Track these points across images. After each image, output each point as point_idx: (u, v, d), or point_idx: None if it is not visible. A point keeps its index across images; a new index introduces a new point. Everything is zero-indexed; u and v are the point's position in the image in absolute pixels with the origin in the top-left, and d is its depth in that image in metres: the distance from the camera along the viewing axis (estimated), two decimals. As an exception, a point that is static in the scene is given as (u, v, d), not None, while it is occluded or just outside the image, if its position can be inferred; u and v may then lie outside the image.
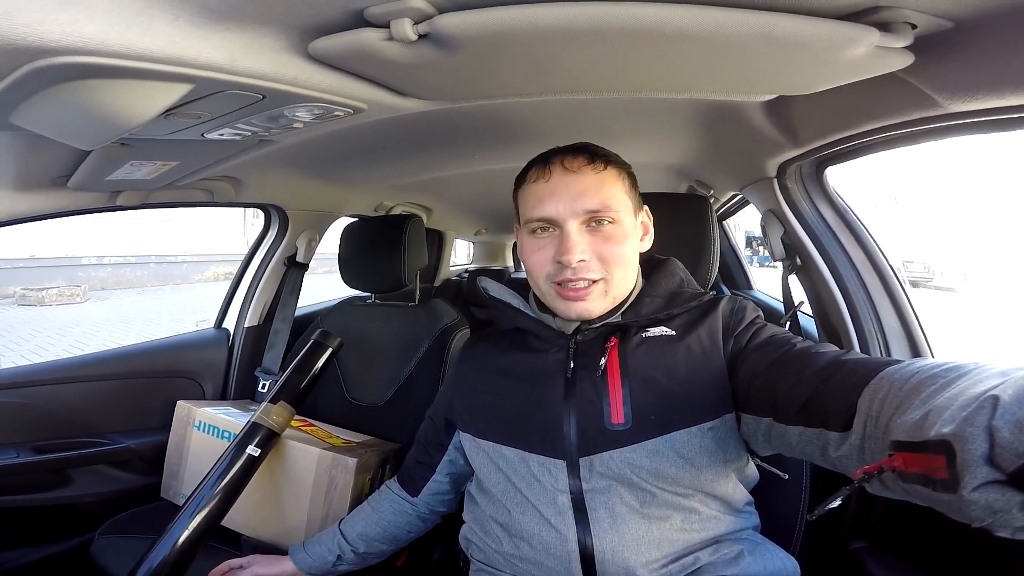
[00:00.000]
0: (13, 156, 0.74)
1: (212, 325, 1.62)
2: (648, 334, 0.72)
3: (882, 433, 0.46)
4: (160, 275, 8.69)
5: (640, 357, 0.70)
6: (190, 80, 0.48)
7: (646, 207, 0.78)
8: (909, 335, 0.93)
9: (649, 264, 0.82)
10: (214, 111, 0.61)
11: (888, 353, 0.93)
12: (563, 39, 0.50)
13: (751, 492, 0.75)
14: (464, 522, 0.83)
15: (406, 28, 0.47)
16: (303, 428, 1.22)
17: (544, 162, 0.72)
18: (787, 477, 0.81)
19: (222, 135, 0.74)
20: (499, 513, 0.74)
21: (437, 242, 2.69)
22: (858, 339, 0.96)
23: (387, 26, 0.47)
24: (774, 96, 0.69)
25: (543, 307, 0.78)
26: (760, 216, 1.15)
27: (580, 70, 0.61)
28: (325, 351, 1.15)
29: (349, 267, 1.44)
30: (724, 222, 1.93)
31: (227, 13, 0.42)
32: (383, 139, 1.04)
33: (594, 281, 0.69)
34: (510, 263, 3.60)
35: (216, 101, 0.56)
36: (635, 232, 0.73)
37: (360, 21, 0.48)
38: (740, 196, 1.38)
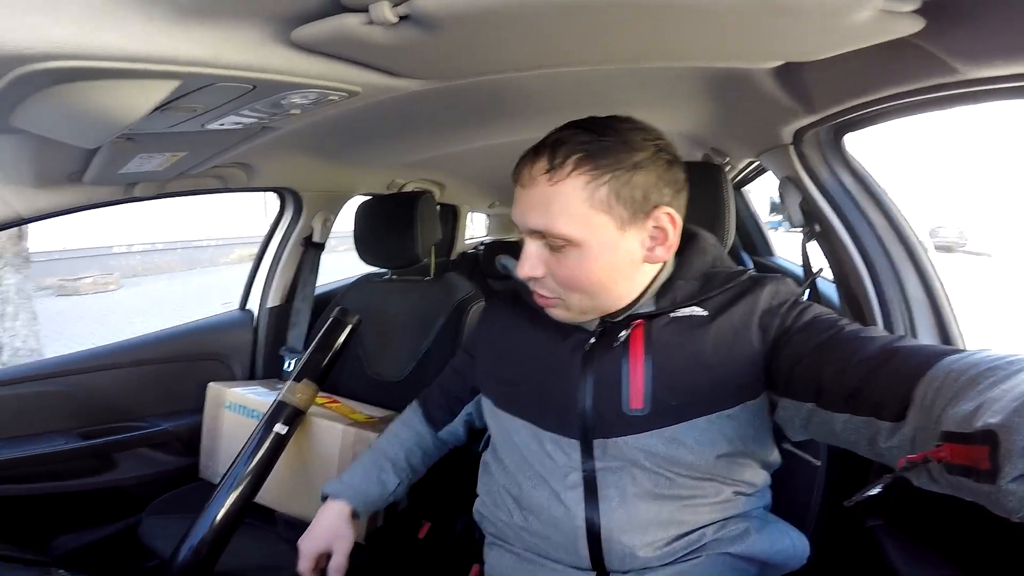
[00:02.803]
0: (28, 156, 0.77)
1: (236, 306, 1.68)
2: (677, 314, 0.68)
3: (934, 424, 0.44)
4: (187, 259, 8.91)
5: (666, 339, 0.67)
6: (176, 76, 0.48)
7: (667, 209, 0.63)
8: (933, 303, 0.89)
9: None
10: (208, 103, 0.61)
11: (911, 321, 0.90)
12: (549, 11, 0.48)
13: None
14: (478, 495, 0.84)
15: (384, 11, 0.46)
16: (327, 405, 1.25)
17: (519, 164, 0.65)
18: (819, 464, 0.78)
19: (223, 125, 0.75)
20: (511, 485, 0.75)
21: (452, 216, 2.69)
22: (880, 306, 0.93)
23: (366, 10, 0.46)
24: (780, 63, 0.65)
25: None
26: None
27: (571, 42, 0.58)
28: (344, 328, 1.17)
29: (364, 244, 1.45)
30: (744, 189, 1.87)
31: (203, 9, 0.41)
32: (390, 119, 1.03)
33: (552, 297, 0.67)
34: None
35: (207, 94, 0.56)
36: (616, 251, 0.63)
37: (338, 7, 0.47)
38: (758, 163, 1.33)
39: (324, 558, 0.80)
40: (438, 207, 2.51)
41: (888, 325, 0.91)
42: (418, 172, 1.82)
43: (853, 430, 0.53)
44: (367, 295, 1.50)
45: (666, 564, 0.66)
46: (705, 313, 0.67)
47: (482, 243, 3.03)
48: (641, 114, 0.67)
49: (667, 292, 0.69)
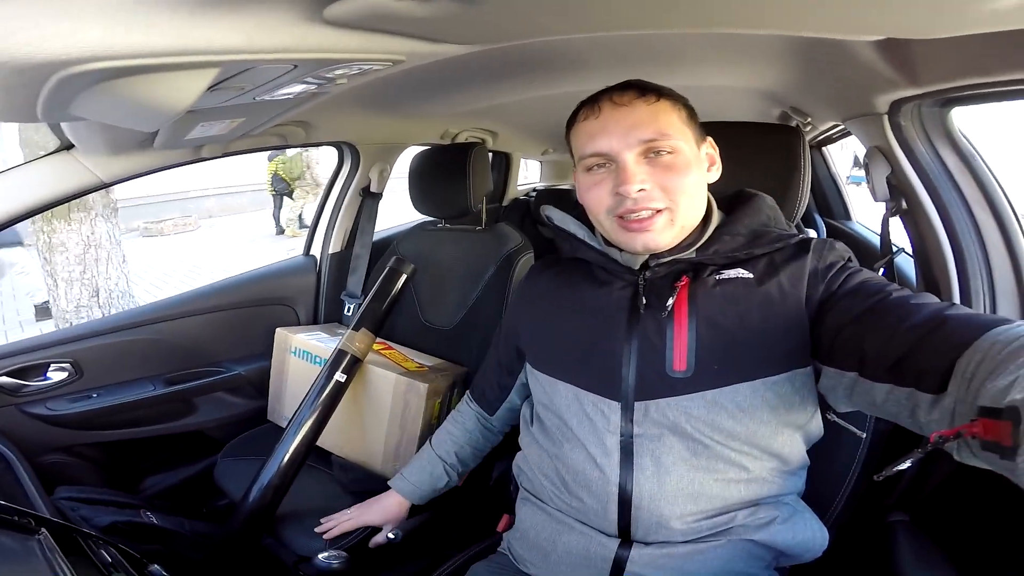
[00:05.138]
0: (101, 130, 0.81)
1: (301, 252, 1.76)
2: (723, 276, 0.68)
3: (972, 398, 0.43)
4: (257, 201, 9.28)
5: (711, 301, 0.67)
6: (214, 65, 0.48)
7: (710, 139, 0.73)
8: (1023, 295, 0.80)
9: (734, 200, 0.75)
10: (254, 82, 0.61)
11: (994, 310, 0.83)
12: None
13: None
14: (520, 448, 0.86)
15: (414, -16, 0.43)
16: (382, 351, 1.31)
17: (593, 101, 0.70)
18: (863, 435, 0.75)
19: (274, 96, 0.75)
20: (550, 444, 0.77)
21: (504, 163, 2.62)
22: (961, 293, 0.86)
23: (395, -16, 0.43)
24: (882, 37, 0.56)
25: (609, 241, 0.74)
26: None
27: (624, 4, 0.51)
28: (399, 277, 1.22)
29: (418, 194, 1.46)
30: (824, 148, 1.69)
31: (227, -3, 0.40)
32: (441, 75, 1.00)
33: (658, 210, 0.66)
34: None
35: (250, 76, 0.56)
36: (699, 162, 0.69)
37: None
38: (843, 126, 1.20)
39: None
40: (490, 155, 2.47)
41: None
42: (470, 121, 1.78)
43: (895, 402, 0.52)
44: (421, 243, 1.52)
45: (688, 541, 0.68)
46: (750, 276, 0.67)
47: (534, 189, 2.96)
48: (707, 72, 0.62)
49: (711, 244, 0.69)
